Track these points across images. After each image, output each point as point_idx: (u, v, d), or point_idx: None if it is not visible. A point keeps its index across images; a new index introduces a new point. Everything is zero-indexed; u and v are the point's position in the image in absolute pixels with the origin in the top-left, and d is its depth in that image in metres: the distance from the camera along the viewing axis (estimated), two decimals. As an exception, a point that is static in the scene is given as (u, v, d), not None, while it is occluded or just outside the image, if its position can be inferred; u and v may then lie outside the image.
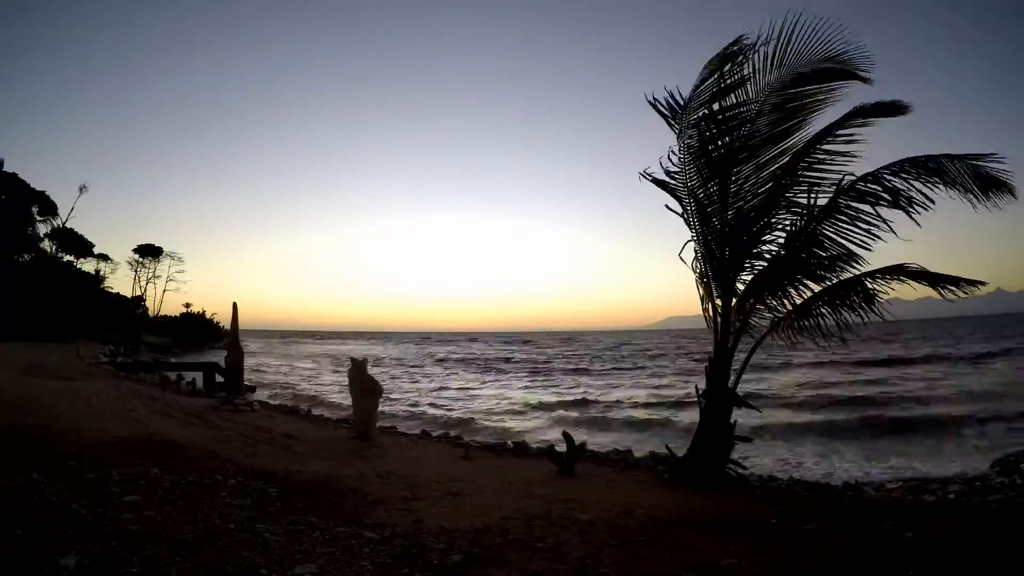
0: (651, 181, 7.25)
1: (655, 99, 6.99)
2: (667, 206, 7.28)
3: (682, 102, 6.88)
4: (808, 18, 6.03)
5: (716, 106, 6.67)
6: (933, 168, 5.83)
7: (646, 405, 18.45)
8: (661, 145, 7.21)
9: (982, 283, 5.94)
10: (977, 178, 5.74)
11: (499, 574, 3.35)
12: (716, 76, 6.52)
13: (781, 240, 6.89)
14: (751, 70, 6.50)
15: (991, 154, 5.74)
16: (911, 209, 5.87)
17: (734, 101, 6.67)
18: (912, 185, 5.91)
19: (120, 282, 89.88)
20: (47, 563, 2.70)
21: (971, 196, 5.80)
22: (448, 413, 16.88)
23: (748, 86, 6.59)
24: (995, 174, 5.70)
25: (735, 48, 6.36)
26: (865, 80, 6.27)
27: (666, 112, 7.02)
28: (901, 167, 5.96)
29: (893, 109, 6.12)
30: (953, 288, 5.96)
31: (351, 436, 9.12)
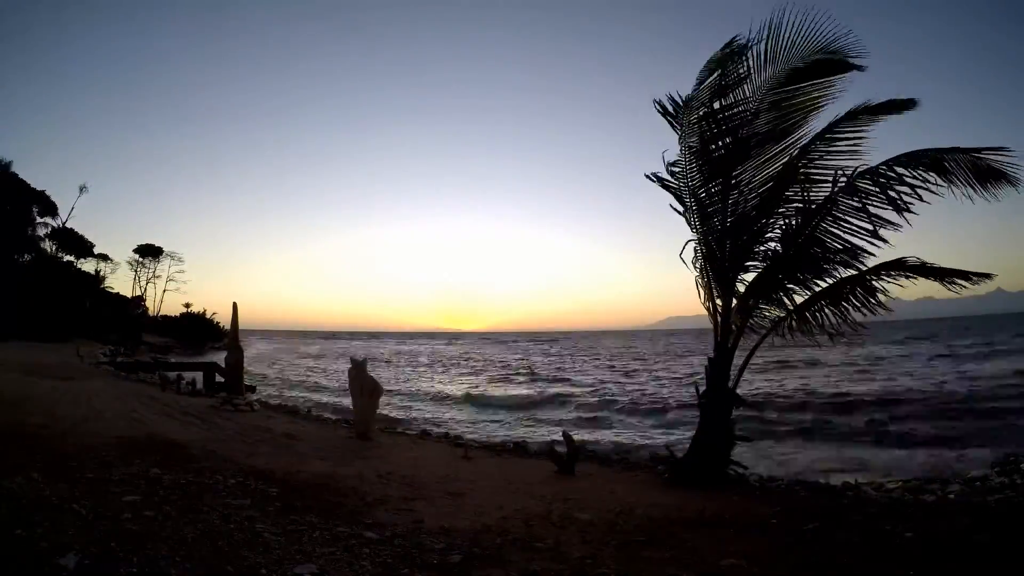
0: (655, 181, 7.29)
1: (658, 100, 7.03)
2: (671, 206, 7.31)
3: (683, 103, 6.90)
4: (796, 12, 6.04)
5: (716, 105, 6.68)
6: (931, 163, 5.80)
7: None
8: (663, 147, 7.26)
9: (990, 275, 5.86)
10: (977, 171, 5.68)
11: (499, 574, 3.36)
12: (715, 76, 6.55)
13: (781, 238, 6.89)
14: (747, 69, 6.51)
15: (998, 148, 5.61)
16: (908, 209, 5.85)
17: (733, 100, 6.69)
18: (911, 181, 5.89)
19: (120, 282, 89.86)
20: (47, 563, 2.70)
21: (970, 189, 5.74)
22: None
23: (746, 86, 6.61)
24: (995, 166, 5.61)
25: (731, 48, 6.37)
26: (857, 67, 6.23)
27: (670, 112, 7.04)
28: (900, 162, 5.93)
29: (896, 106, 6.07)
30: (960, 281, 5.92)
31: (351, 436, 9.13)
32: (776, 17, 6.09)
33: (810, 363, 28.86)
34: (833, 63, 6.26)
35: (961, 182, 5.74)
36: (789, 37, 6.19)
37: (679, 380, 26.02)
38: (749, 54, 6.40)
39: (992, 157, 5.63)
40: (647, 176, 7.32)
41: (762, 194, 6.89)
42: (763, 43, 6.27)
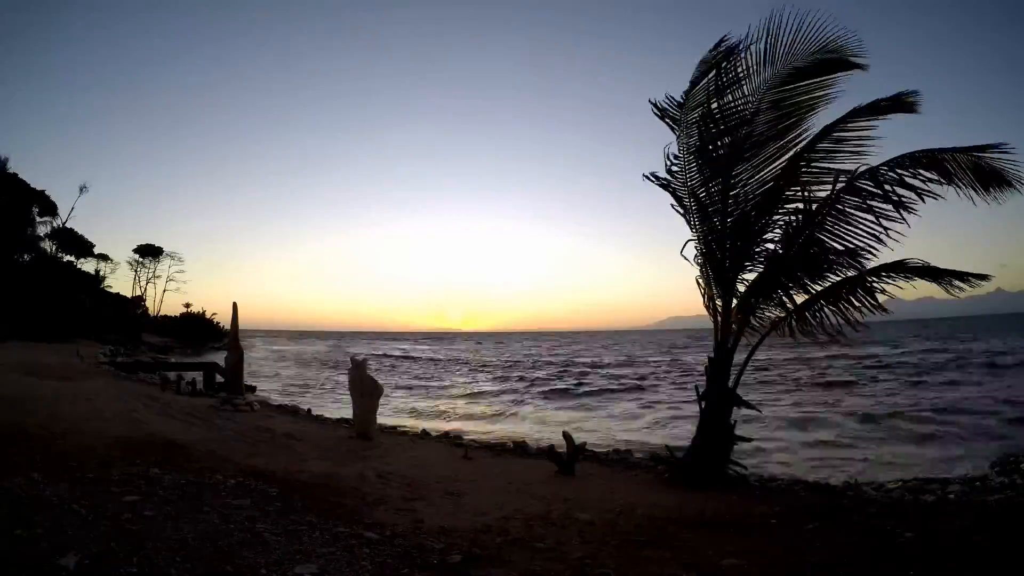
0: (654, 181, 7.29)
1: (654, 102, 7.03)
2: (672, 206, 7.31)
3: (680, 103, 6.91)
4: (795, 13, 6.06)
5: (715, 105, 6.69)
6: (932, 164, 5.80)
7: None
8: (662, 145, 7.25)
9: (988, 276, 5.87)
10: (978, 172, 5.67)
11: (499, 574, 3.36)
12: (712, 75, 6.55)
13: (781, 239, 6.89)
14: (745, 69, 6.52)
15: (998, 145, 5.60)
16: (906, 210, 5.85)
17: (731, 100, 6.70)
18: (911, 182, 5.89)
19: (120, 282, 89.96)
20: (47, 563, 2.70)
21: (971, 192, 5.74)
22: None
23: (744, 85, 6.62)
24: (997, 167, 5.60)
25: (724, 47, 6.38)
26: (859, 66, 6.23)
27: (668, 112, 7.04)
28: (900, 163, 5.92)
29: (898, 105, 6.04)
30: (959, 283, 5.92)
31: (351, 436, 9.12)
32: (775, 17, 6.12)
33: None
34: (834, 62, 6.27)
35: (963, 184, 5.73)
36: (788, 37, 6.21)
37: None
38: (747, 54, 6.42)
39: (992, 156, 5.62)
40: (645, 176, 7.32)
41: (762, 194, 6.88)
42: (762, 42, 6.29)
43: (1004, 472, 7.61)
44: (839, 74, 6.39)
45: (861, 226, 6.20)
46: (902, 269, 6.15)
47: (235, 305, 12.17)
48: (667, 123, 7.10)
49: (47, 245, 41.12)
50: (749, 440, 7.59)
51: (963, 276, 5.90)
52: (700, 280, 7.23)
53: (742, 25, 6.30)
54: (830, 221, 6.40)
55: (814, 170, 6.63)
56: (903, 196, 5.88)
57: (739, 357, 7.00)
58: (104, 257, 49.43)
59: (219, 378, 17.53)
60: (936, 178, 5.79)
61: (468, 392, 23.76)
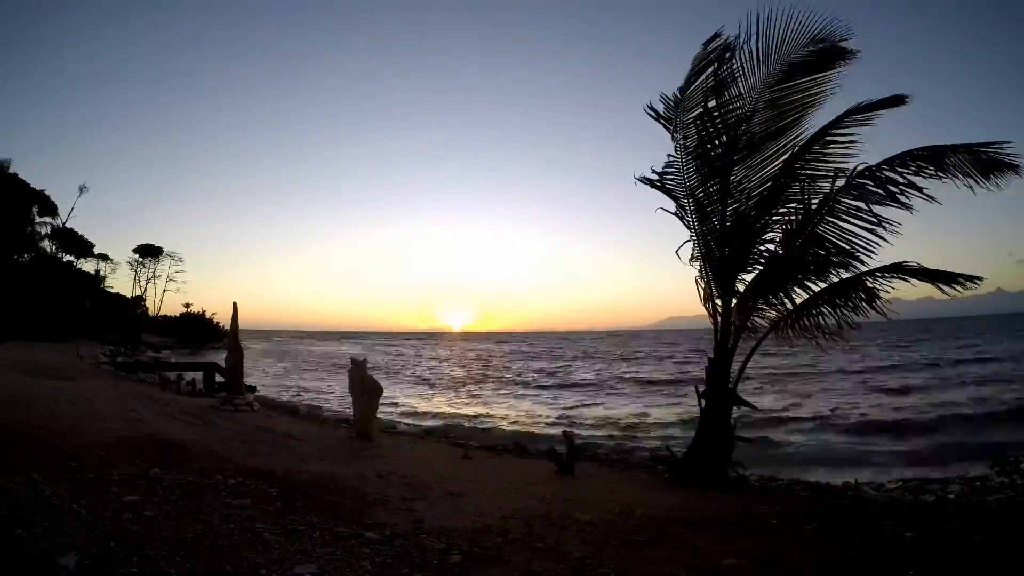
0: (647, 184, 7.27)
1: (650, 105, 7.02)
2: (671, 211, 7.30)
3: (676, 102, 6.90)
4: (784, 9, 6.10)
5: (712, 103, 6.69)
6: (931, 159, 5.78)
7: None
8: (661, 144, 7.24)
9: (980, 279, 5.88)
10: (977, 163, 5.64)
11: (499, 574, 3.36)
12: (708, 74, 6.55)
13: (780, 239, 6.89)
14: (740, 67, 6.52)
15: (998, 143, 5.58)
16: (907, 208, 5.85)
17: (728, 99, 6.70)
18: (910, 179, 5.87)
19: (120, 282, 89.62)
20: (47, 563, 2.70)
21: (971, 181, 5.70)
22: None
23: (740, 84, 6.63)
24: (997, 156, 5.58)
25: (719, 43, 6.39)
26: (850, 51, 6.26)
27: (663, 115, 7.05)
28: (899, 161, 5.92)
29: (891, 101, 6.09)
30: (954, 285, 5.92)
31: (351, 436, 9.13)
32: (764, 14, 6.14)
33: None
34: (826, 54, 6.28)
35: (962, 175, 5.70)
36: (779, 33, 6.23)
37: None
38: (741, 53, 6.43)
39: (991, 151, 5.60)
40: (639, 179, 7.30)
41: (761, 194, 6.89)
42: (754, 40, 6.33)
43: (1004, 472, 7.61)
44: (832, 70, 6.41)
45: (860, 226, 6.20)
46: (899, 271, 6.15)
47: (235, 305, 12.16)
48: (663, 124, 7.11)
49: (47, 245, 41.17)
50: (750, 440, 7.59)
51: (955, 278, 5.88)
52: (699, 280, 7.24)
53: (732, 24, 6.29)
54: (829, 220, 6.40)
55: (813, 168, 6.64)
56: (900, 194, 5.87)
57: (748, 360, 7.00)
58: (104, 257, 49.52)
59: (219, 378, 17.54)
60: (935, 174, 5.77)
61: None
